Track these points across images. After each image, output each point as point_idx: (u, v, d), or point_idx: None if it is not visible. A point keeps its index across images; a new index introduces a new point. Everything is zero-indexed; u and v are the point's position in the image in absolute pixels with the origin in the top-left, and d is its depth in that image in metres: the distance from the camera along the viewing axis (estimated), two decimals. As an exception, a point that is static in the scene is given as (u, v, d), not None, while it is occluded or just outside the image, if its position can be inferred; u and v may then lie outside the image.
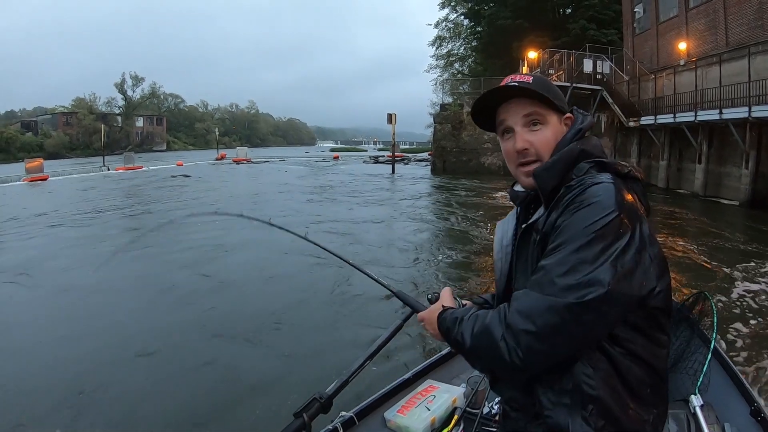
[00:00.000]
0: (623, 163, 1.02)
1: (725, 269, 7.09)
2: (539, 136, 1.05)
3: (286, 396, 3.50)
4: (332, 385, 1.50)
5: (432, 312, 1.15)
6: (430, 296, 1.25)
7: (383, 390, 2.03)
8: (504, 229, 1.20)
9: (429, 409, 1.86)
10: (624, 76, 21.54)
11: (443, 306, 1.14)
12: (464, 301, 1.24)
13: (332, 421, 1.75)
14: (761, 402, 1.71)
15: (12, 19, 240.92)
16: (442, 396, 1.94)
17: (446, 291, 1.22)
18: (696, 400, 1.47)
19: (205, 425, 3.35)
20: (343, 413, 1.81)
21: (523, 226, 1.07)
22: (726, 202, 14.57)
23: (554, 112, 1.06)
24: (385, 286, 1.51)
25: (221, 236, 9.08)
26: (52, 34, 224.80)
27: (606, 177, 0.95)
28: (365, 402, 1.93)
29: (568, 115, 1.09)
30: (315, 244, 1.73)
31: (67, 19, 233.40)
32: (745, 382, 1.86)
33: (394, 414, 1.87)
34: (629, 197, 0.94)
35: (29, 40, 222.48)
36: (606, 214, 0.88)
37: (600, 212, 0.89)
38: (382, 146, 76.34)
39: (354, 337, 4.67)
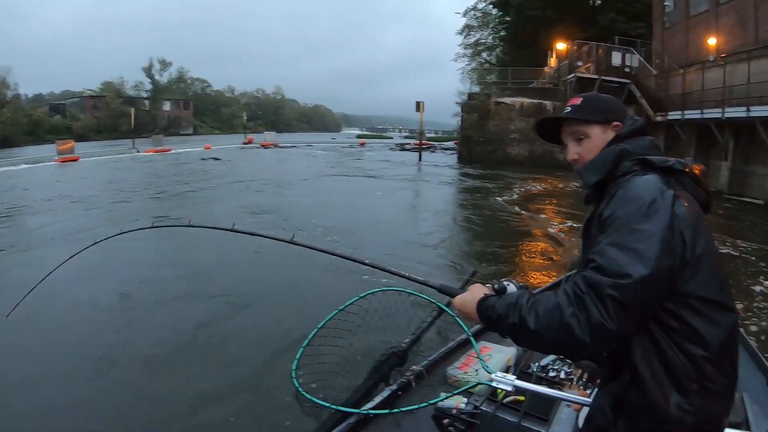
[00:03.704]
0: (670, 159, 1.16)
1: (744, 266, 7.47)
2: (582, 148, 1.26)
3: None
4: (406, 341, 1.82)
5: (470, 299, 1.21)
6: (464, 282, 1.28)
7: (444, 348, 2.23)
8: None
9: (487, 367, 2.00)
10: (652, 70, 21.61)
11: (485, 294, 1.19)
12: (504, 282, 1.22)
13: (405, 375, 1.98)
14: None
15: (49, 10, 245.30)
16: (497, 355, 2.11)
17: (476, 285, 1.26)
18: None
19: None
20: (414, 367, 2.02)
21: (584, 221, 1.26)
22: (750, 200, 14.70)
23: (596, 125, 1.25)
24: (415, 281, 1.50)
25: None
26: (84, 23, 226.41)
27: (647, 175, 1.11)
28: (431, 358, 2.13)
29: (616, 123, 1.25)
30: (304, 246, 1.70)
31: (101, 10, 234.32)
32: (760, 354, 2.00)
33: (455, 370, 2.06)
34: (674, 191, 1.08)
35: (60, 28, 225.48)
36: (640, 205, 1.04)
37: (636, 204, 1.04)
38: (407, 134, 76.24)
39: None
